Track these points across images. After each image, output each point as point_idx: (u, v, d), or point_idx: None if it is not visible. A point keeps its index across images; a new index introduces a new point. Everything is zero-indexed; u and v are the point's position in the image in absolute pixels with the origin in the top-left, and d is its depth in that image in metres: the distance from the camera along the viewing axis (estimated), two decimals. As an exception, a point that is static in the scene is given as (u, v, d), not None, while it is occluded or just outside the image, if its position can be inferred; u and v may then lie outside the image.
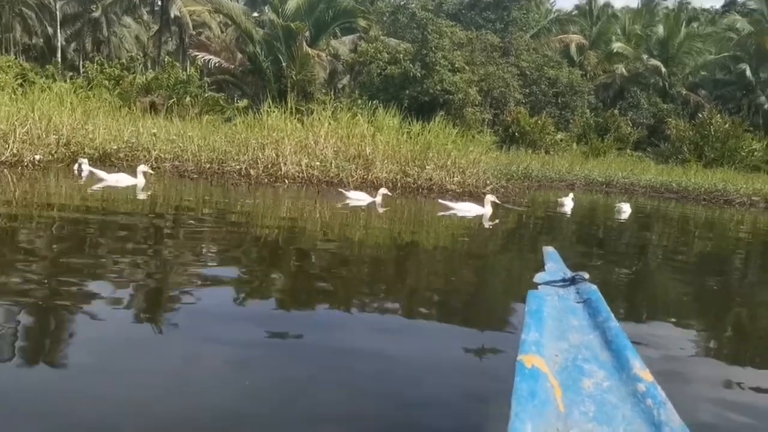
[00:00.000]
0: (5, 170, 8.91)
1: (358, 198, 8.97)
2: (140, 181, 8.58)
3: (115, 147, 10.85)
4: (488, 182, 11.99)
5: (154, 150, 11.05)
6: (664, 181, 18.26)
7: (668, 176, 19.12)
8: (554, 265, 3.54)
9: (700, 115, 28.54)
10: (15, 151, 9.24)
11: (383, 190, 9.11)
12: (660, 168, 22.05)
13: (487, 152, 13.27)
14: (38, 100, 10.66)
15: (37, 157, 9.47)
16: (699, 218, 13.02)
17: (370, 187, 10.95)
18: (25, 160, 9.25)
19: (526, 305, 2.48)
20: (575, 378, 1.88)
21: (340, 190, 9.48)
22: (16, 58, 30.69)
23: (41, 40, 39.22)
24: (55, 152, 10.08)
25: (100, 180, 8.65)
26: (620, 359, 1.97)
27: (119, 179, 8.59)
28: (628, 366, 1.90)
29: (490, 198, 8.67)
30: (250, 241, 5.74)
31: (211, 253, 5.07)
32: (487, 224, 8.08)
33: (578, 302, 2.68)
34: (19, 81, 18.45)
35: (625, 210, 10.88)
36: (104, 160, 10.42)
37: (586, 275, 2.98)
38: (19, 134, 9.54)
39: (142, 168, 8.78)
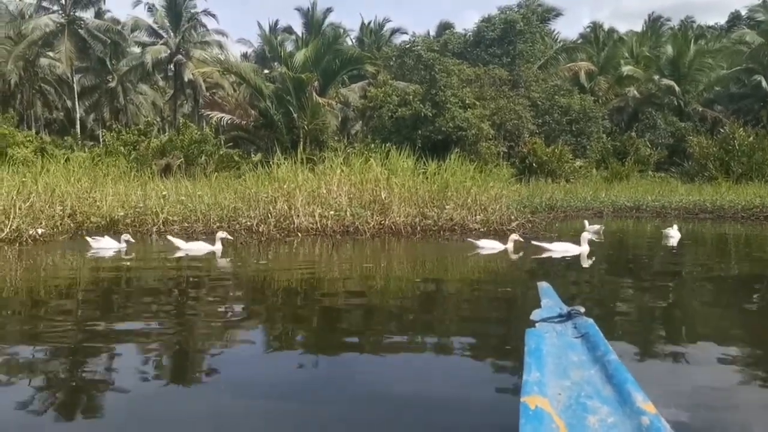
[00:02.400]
0: (5, 247, 8.49)
1: (490, 246, 8.63)
2: (218, 247, 8.22)
3: (122, 213, 10.56)
4: (513, 217, 11.42)
5: (162, 213, 10.75)
6: (697, 201, 17.42)
7: (699, 195, 18.29)
8: (550, 300, 3.51)
9: (722, 131, 27.85)
10: (15, 227, 8.81)
11: (515, 236, 8.68)
12: (688, 188, 21.24)
13: (508, 186, 12.74)
14: (42, 172, 10.43)
15: (39, 231, 9.08)
16: (751, 238, 12.21)
17: (388, 233, 10.49)
18: (25, 234, 8.84)
19: (525, 344, 2.47)
20: (580, 416, 1.87)
21: (469, 239, 9.10)
22: (38, 133, 31.54)
23: (61, 113, 40.40)
24: (60, 224, 9.73)
25: (176, 248, 8.30)
26: (622, 393, 1.97)
27: (197, 247, 8.32)
28: (631, 400, 1.90)
29: (587, 236, 8.26)
30: (456, 303, 5.26)
31: (426, 322, 4.64)
32: (585, 263, 7.59)
33: (576, 337, 2.67)
34: (37, 154, 18.64)
35: (673, 235, 10.32)
36: (110, 228, 10.10)
37: (582, 309, 2.97)
38: (22, 208, 9.17)
39: (220, 234, 8.44)
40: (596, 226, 11.68)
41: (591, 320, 2.81)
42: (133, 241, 8.66)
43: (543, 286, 4.03)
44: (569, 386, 2.11)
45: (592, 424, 1.83)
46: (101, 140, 30.61)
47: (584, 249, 8.04)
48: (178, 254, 8.11)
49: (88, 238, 8.60)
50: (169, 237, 8.76)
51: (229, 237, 8.69)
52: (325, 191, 11.29)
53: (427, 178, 11.96)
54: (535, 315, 3.14)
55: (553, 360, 2.37)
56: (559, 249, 8.18)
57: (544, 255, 8.07)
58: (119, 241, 8.41)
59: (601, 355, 2.36)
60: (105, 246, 8.38)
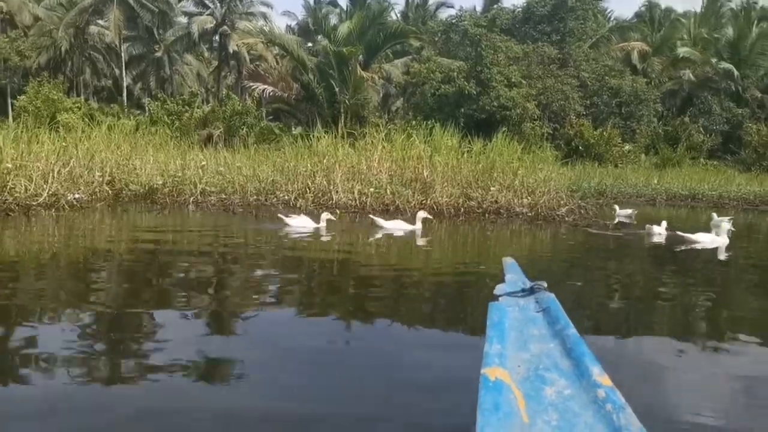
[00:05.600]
0: (42, 212, 8.41)
1: (658, 232, 8.37)
2: (418, 227, 8.01)
3: (161, 182, 10.49)
4: (562, 202, 10.89)
5: (200, 183, 10.63)
6: (758, 192, 16.45)
7: (759, 186, 17.27)
8: (514, 275, 3.59)
9: (785, 118, 26.28)
10: (53, 192, 8.77)
11: (665, 228, 8.42)
12: (746, 177, 20.10)
13: (558, 168, 12.15)
14: (83, 137, 10.38)
15: (77, 196, 9.08)
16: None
17: (431, 213, 10.13)
18: (62, 200, 8.78)
19: (487, 317, 2.51)
20: (537, 387, 1.92)
21: (647, 226, 8.65)
22: (87, 100, 32.12)
23: (110, 81, 41.09)
24: (98, 190, 9.71)
25: (379, 227, 8.04)
26: (580, 366, 2.01)
27: (398, 226, 8.06)
28: (588, 373, 1.94)
29: (726, 225, 7.89)
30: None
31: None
32: (722, 256, 7.19)
33: (537, 311, 2.73)
34: (85, 120, 18.86)
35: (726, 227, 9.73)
36: (148, 197, 10.03)
37: (545, 284, 3.01)
38: (61, 173, 9.14)
39: (421, 214, 8.20)
40: (628, 211, 11.30)
41: (552, 295, 2.84)
42: (335, 219, 8.19)
43: (507, 261, 4.09)
44: (529, 359, 2.17)
45: (549, 395, 1.87)
46: (147, 109, 31.03)
47: (724, 240, 7.76)
48: (383, 232, 7.83)
49: (282, 216, 7.99)
50: (371, 216, 8.50)
51: (429, 216, 8.36)
52: (365, 167, 11.00)
53: (471, 157, 11.49)
54: (499, 289, 3.18)
55: (514, 333, 2.42)
56: (702, 240, 7.94)
57: (686, 246, 7.75)
58: (317, 221, 7.95)
59: (560, 329, 2.39)
60: (303, 224, 7.89)
